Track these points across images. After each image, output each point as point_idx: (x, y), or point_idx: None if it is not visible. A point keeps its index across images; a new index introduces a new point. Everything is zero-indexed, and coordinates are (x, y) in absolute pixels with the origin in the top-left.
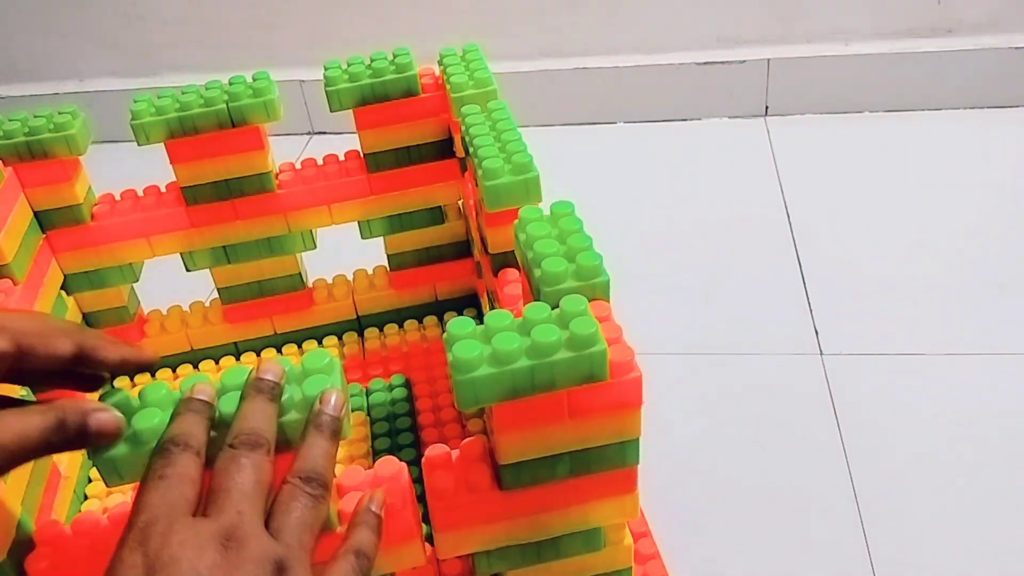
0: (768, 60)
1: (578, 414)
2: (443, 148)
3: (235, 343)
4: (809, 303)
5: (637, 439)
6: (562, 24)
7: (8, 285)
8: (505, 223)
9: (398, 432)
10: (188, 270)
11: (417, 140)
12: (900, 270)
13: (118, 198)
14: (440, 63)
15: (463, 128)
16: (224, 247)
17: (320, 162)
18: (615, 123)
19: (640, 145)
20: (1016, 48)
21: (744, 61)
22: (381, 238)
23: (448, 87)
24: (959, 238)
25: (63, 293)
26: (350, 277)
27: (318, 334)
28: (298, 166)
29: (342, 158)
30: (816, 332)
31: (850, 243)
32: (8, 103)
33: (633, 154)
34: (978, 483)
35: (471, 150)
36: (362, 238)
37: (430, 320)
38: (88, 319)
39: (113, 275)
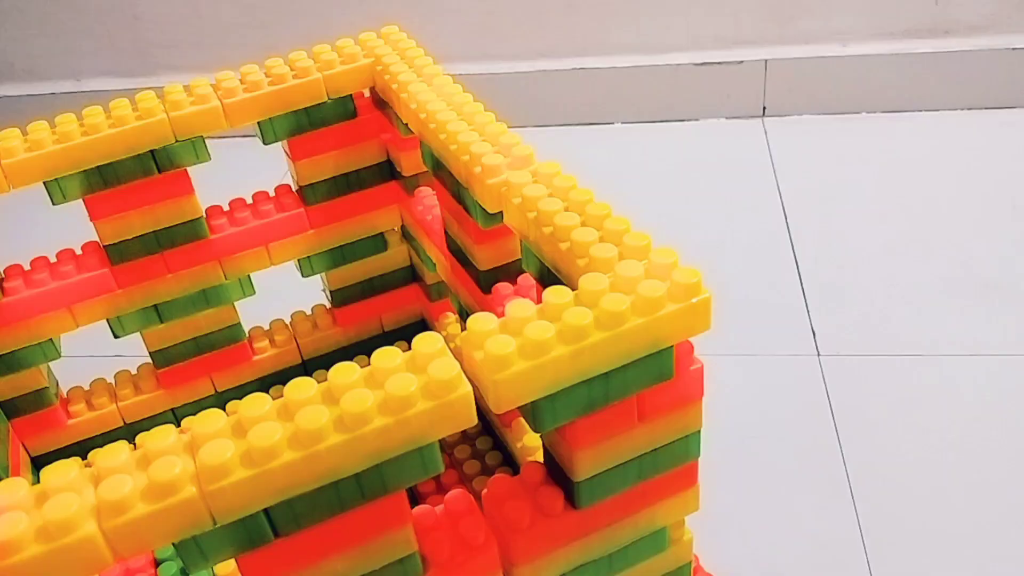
0: (766, 61)
1: (647, 417)
2: (382, 171)
3: (172, 410)
4: (806, 304)
5: (699, 431)
6: (560, 24)
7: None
8: (500, 237)
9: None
10: (116, 336)
11: (355, 165)
12: (897, 271)
13: (27, 267)
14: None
15: (431, 142)
16: (156, 306)
17: (249, 200)
18: (613, 123)
19: (637, 146)
20: (1014, 49)
21: (742, 62)
22: (319, 275)
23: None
24: (957, 239)
25: None
26: (287, 320)
27: (263, 385)
28: (245, 197)
29: (272, 194)
30: (813, 333)
31: (847, 244)
32: (6, 103)
33: (630, 155)
34: (976, 484)
35: (449, 164)
36: (303, 276)
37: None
38: (5, 409)
39: (32, 355)
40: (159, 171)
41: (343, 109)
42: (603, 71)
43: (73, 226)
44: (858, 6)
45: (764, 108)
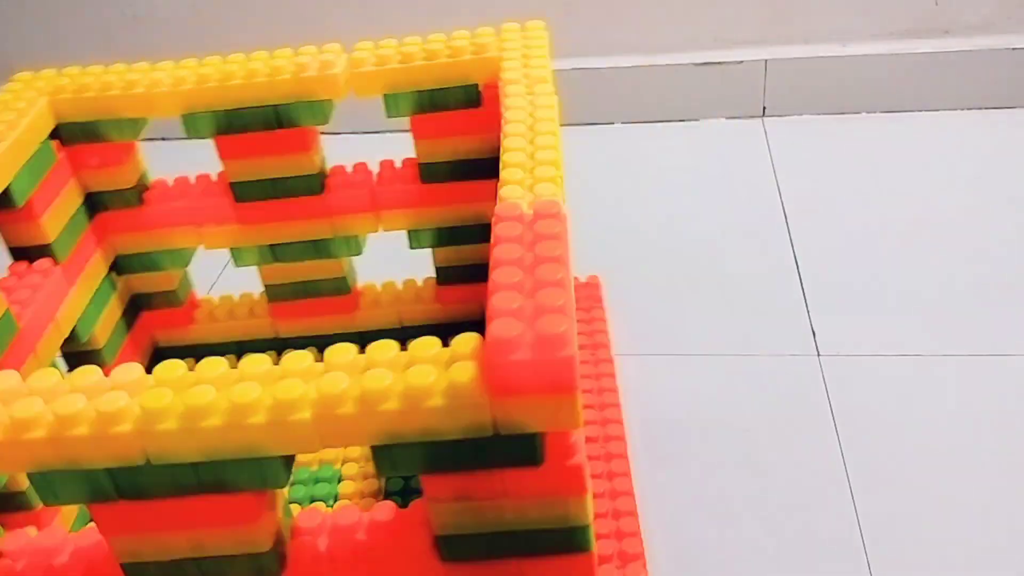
0: (766, 61)
1: (513, 495)
2: (498, 165)
3: (279, 338)
4: (806, 304)
5: (587, 526)
6: (559, 24)
7: (48, 265)
8: None
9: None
10: (237, 265)
11: (474, 154)
12: (897, 271)
13: (171, 184)
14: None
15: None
16: (271, 246)
17: (377, 166)
18: (612, 124)
19: (637, 146)
20: (1014, 49)
21: (742, 62)
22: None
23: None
24: (957, 239)
25: (113, 274)
26: (400, 286)
27: (362, 339)
28: (349, 169)
29: (398, 164)
30: (813, 333)
31: (847, 244)
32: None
33: (630, 155)
34: (976, 484)
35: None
36: (410, 248)
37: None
38: (138, 300)
39: (164, 259)
40: (279, 126)
41: (466, 96)
42: (603, 71)
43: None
44: (858, 6)
45: (764, 108)
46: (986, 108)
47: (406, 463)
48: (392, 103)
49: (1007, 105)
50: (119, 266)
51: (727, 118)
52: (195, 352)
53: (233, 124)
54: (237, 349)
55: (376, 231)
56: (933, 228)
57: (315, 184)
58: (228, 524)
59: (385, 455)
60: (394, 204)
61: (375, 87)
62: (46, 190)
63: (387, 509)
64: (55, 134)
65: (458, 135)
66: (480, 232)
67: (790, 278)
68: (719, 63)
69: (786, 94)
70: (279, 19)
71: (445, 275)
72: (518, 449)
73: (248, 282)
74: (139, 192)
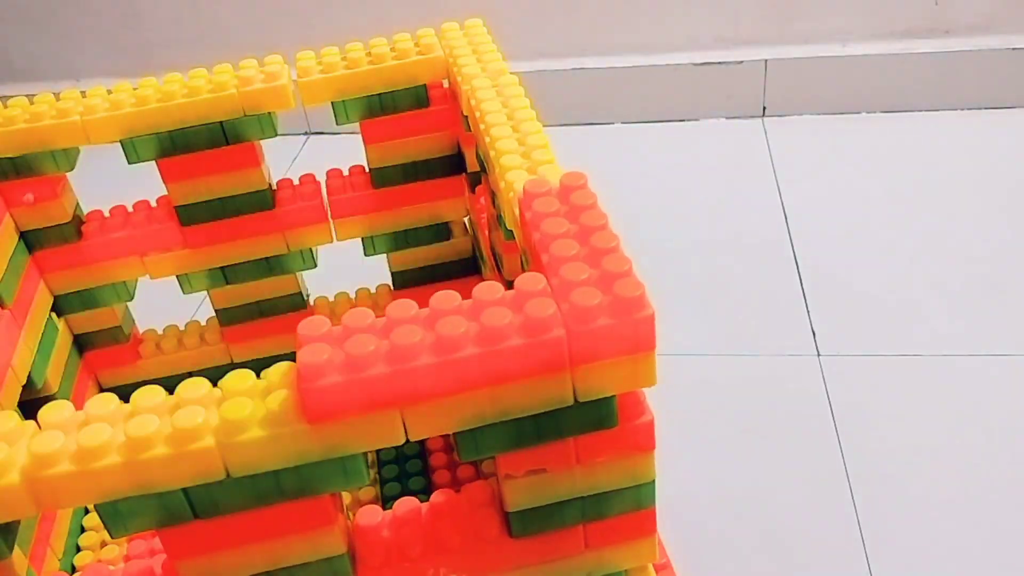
0: (765, 61)
1: (586, 460)
2: (452, 163)
3: (233, 364)
4: (806, 304)
5: (652, 482)
6: (560, 24)
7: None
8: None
9: (409, 475)
10: (185, 292)
11: (425, 155)
12: (897, 271)
13: (107, 214)
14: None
15: (480, 143)
16: (222, 268)
17: (323, 175)
18: (612, 124)
19: (637, 146)
20: (1013, 49)
21: (741, 62)
22: (385, 256)
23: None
24: (956, 239)
25: (53, 315)
26: (352, 295)
27: None
28: (295, 170)
29: (346, 172)
30: (813, 333)
31: (847, 244)
32: (4, 104)
33: (630, 155)
34: (976, 484)
35: (493, 170)
36: (365, 255)
37: None
38: (80, 340)
39: (106, 294)
40: (227, 142)
41: (415, 98)
42: (603, 71)
43: (155, 180)
44: (858, 6)
45: (764, 108)
46: (986, 108)
47: (490, 444)
48: (341, 110)
49: (1007, 105)
50: (59, 306)
51: (727, 118)
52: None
53: (177, 145)
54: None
55: (331, 242)
56: (933, 228)
57: (265, 199)
58: (305, 530)
59: (469, 439)
60: (348, 212)
61: (324, 95)
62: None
63: (443, 495)
64: None
65: (409, 137)
66: (436, 232)
67: (790, 278)
68: (719, 63)
69: (786, 94)
70: (279, 19)
71: (402, 279)
72: (597, 414)
73: (185, 308)
74: (76, 226)
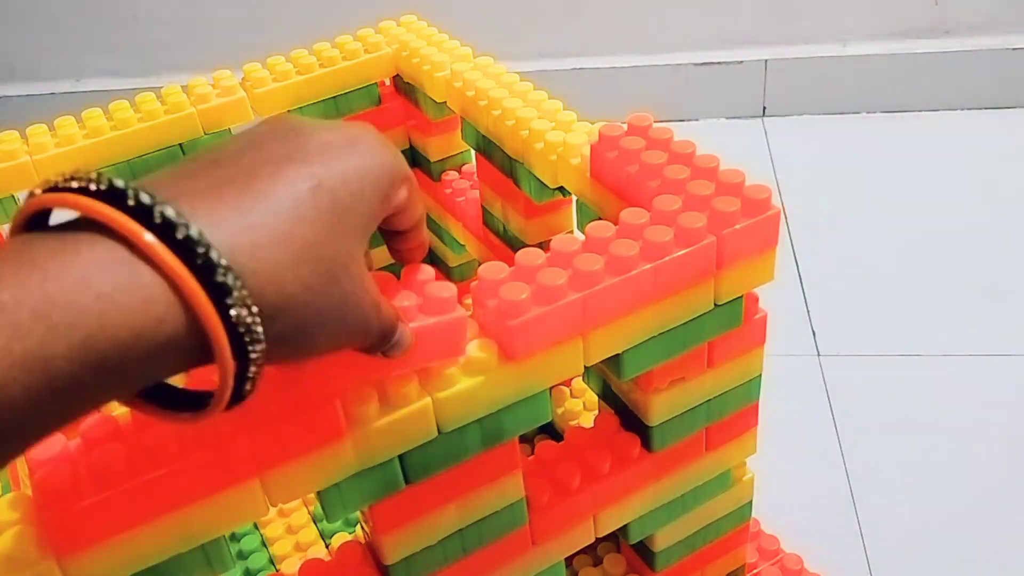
0: (766, 61)
1: (716, 363)
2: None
3: None
4: (806, 304)
5: (760, 375)
6: (560, 24)
7: None
8: (551, 212)
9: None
10: None
11: None
12: (897, 271)
13: None
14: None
15: (479, 120)
16: None
17: None
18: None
19: None
20: (1013, 49)
21: (742, 62)
22: None
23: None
24: (956, 239)
25: None
26: None
27: None
28: None
29: None
30: (813, 333)
31: (847, 244)
32: (6, 103)
33: None
34: (976, 483)
35: (502, 140)
36: None
37: None
38: None
39: None
40: None
41: (369, 97)
42: (603, 71)
43: None
44: (858, 6)
45: (764, 108)
46: (986, 108)
47: (651, 358)
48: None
49: (1007, 105)
50: None
51: (727, 118)
52: None
53: (137, 174)
54: None
55: None
56: (933, 228)
57: None
58: (495, 478)
59: (634, 356)
60: None
61: (281, 104)
62: None
63: (575, 433)
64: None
65: None
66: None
67: (790, 278)
68: (719, 63)
69: (786, 94)
70: (279, 19)
71: None
72: (729, 315)
73: None
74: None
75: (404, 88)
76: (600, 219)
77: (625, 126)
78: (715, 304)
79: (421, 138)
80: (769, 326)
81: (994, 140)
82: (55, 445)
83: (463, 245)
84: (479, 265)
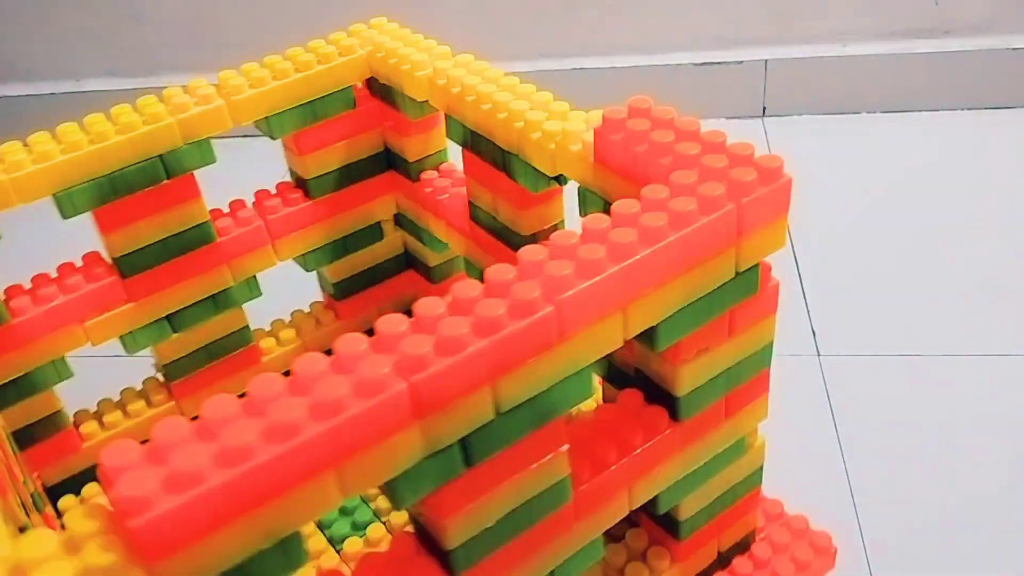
0: (766, 61)
1: (736, 331)
2: (379, 161)
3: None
4: (806, 304)
5: (772, 342)
6: (560, 24)
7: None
8: (545, 202)
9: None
10: (129, 352)
11: (357, 156)
12: (897, 271)
13: (27, 286)
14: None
15: (467, 115)
16: (168, 316)
17: (249, 200)
18: None
19: None
20: (1013, 49)
21: (742, 62)
22: (316, 271)
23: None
24: (956, 239)
25: None
26: (288, 320)
27: None
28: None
29: (273, 191)
30: (813, 333)
31: (847, 244)
32: (6, 103)
33: None
34: (976, 483)
35: (494, 134)
36: (307, 270)
37: None
38: (18, 439)
39: (46, 376)
40: (168, 176)
41: (345, 100)
42: (603, 71)
43: (62, 243)
44: (858, 6)
45: (764, 108)
46: (986, 108)
47: (683, 327)
48: (277, 123)
49: (1007, 105)
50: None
51: (727, 118)
52: (88, 477)
53: (117, 189)
54: None
55: (273, 264)
56: (933, 228)
57: (208, 232)
58: (544, 455)
59: (669, 325)
60: (287, 230)
61: (258, 111)
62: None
63: (603, 409)
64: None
65: (341, 141)
66: (370, 234)
67: (790, 278)
68: (719, 63)
69: (786, 94)
70: (279, 19)
71: (342, 289)
72: (747, 282)
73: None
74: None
75: (379, 90)
76: (607, 203)
77: (626, 110)
78: (736, 272)
79: (399, 139)
80: None
81: (994, 140)
82: (130, 452)
83: (445, 243)
84: (463, 263)
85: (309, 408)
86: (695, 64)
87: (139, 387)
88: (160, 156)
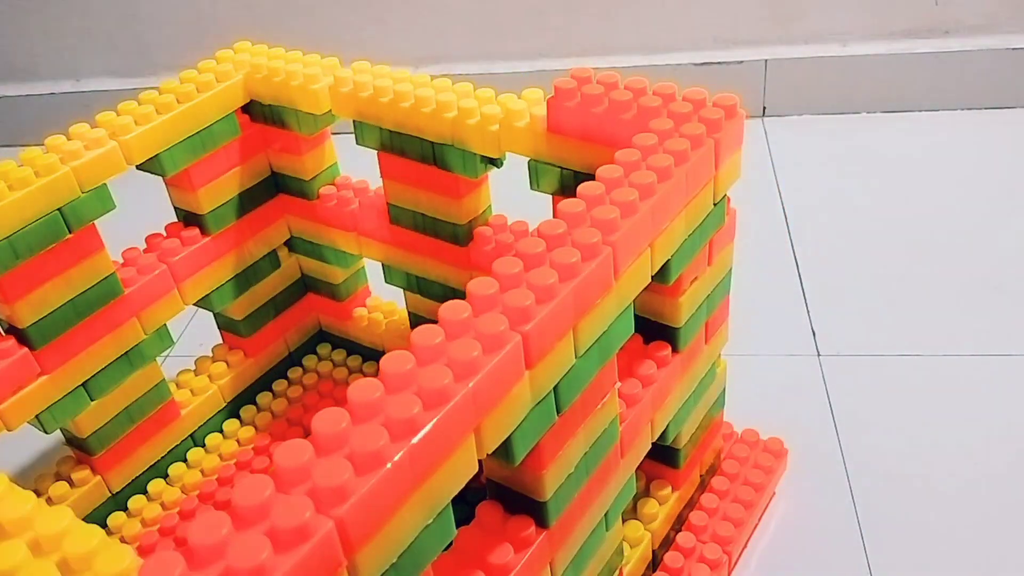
0: (766, 61)
1: (712, 259)
2: (268, 186)
3: (113, 494)
4: (806, 304)
5: (732, 267)
6: (560, 25)
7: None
8: (478, 188)
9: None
10: (47, 432)
11: (249, 183)
12: (897, 271)
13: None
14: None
15: (385, 117)
16: (84, 384)
17: (141, 244)
18: None
19: None
20: (1013, 49)
21: (742, 62)
22: (210, 311)
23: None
24: (956, 239)
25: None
26: (193, 365)
27: (194, 442)
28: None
29: (164, 232)
30: (813, 333)
31: (847, 244)
32: (6, 103)
33: None
34: (976, 483)
35: (421, 129)
36: (215, 310)
37: (295, 374)
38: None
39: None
40: (70, 230)
41: (230, 127)
42: (603, 71)
43: None
44: (858, 6)
45: (764, 108)
46: (986, 108)
47: (686, 255)
48: (169, 160)
49: (1007, 105)
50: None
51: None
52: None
53: (19, 252)
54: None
55: (182, 309)
56: (933, 228)
57: (115, 285)
58: (604, 395)
59: (680, 255)
60: (193, 269)
61: (152, 147)
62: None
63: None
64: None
65: (233, 168)
66: (270, 262)
67: (790, 278)
68: (719, 63)
69: (786, 94)
70: (279, 19)
71: (250, 325)
72: (720, 211)
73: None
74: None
75: (262, 112)
76: (563, 171)
77: (572, 79)
78: (714, 203)
79: (290, 159)
80: (769, 326)
81: (994, 140)
82: (303, 452)
83: (355, 256)
84: (387, 269)
85: (452, 372)
86: (695, 64)
87: (54, 467)
88: (59, 209)
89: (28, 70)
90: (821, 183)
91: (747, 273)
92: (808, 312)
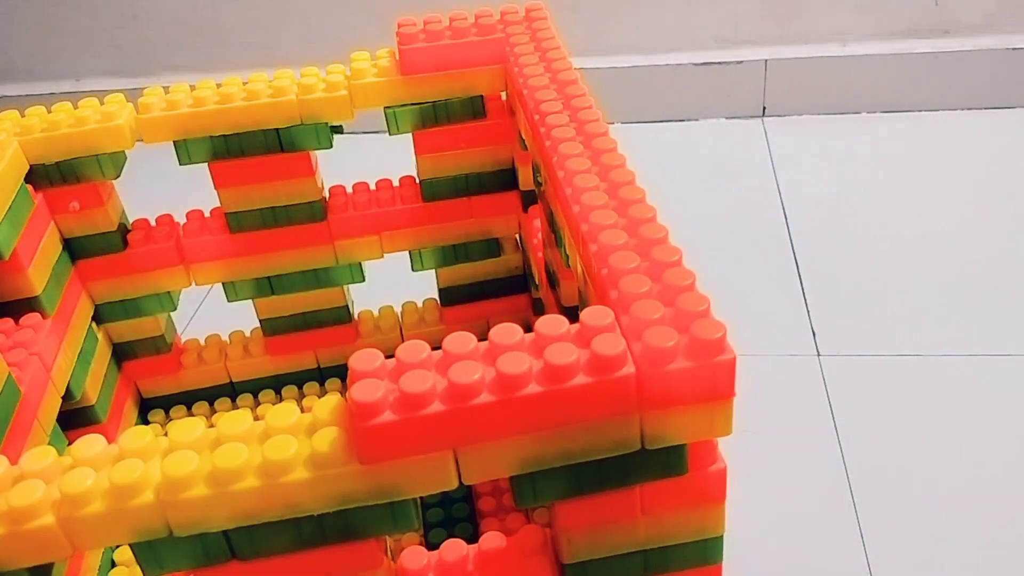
0: (765, 61)
1: (651, 511)
2: (504, 178)
3: (276, 376)
4: (806, 304)
5: (720, 536)
6: (560, 24)
7: (37, 319)
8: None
9: (455, 521)
10: (229, 300)
11: (478, 168)
12: (897, 271)
13: (153, 223)
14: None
15: (542, 159)
16: (268, 277)
17: (372, 186)
18: (612, 124)
19: (637, 146)
20: (1013, 49)
21: (741, 62)
22: (432, 271)
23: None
24: (956, 239)
25: (93, 324)
26: (398, 309)
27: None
28: (342, 170)
29: (396, 184)
30: (813, 333)
31: (847, 244)
32: (6, 103)
33: (630, 155)
34: (976, 483)
35: (552, 189)
36: (413, 270)
37: None
38: (120, 350)
39: (150, 304)
40: (282, 150)
41: (471, 108)
42: (603, 71)
43: (204, 190)
44: (858, 6)
45: (764, 108)
46: (986, 108)
47: (549, 490)
48: (392, 119)
49: (1007, 105)
50: (99, 315)
51: (727, 118)
52: (183, 399)
53: (231, 149)
54: (231, 391)
55: (380, 256)
56: (933, 228)
57: (317, 211)
58: (348, 574)
59: (527, 484)
60: (399, 224)
61: (376, 100)
62: (28, 239)
63: (492, 540)
64: (28, 177)
65: (463, 148)
66: (486, 248)
67: (790, 278)
68: (719, 63)
69: (786, 94)
70: (279, 19)
71: (449, 295)
72: (665, 461)
73: (228, 319)
74: (122, 235)
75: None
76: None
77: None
78: (643, 447)
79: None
80: (769, 326)
81: (994, 140)
82: (374, 360)
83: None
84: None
85: (539, 368)
86: (695, 64)
87: (248, 333)
88: (277, 130)
89: (28, 70)
90: (821, 183)
91: (747, 273)
92: (808, 312)
